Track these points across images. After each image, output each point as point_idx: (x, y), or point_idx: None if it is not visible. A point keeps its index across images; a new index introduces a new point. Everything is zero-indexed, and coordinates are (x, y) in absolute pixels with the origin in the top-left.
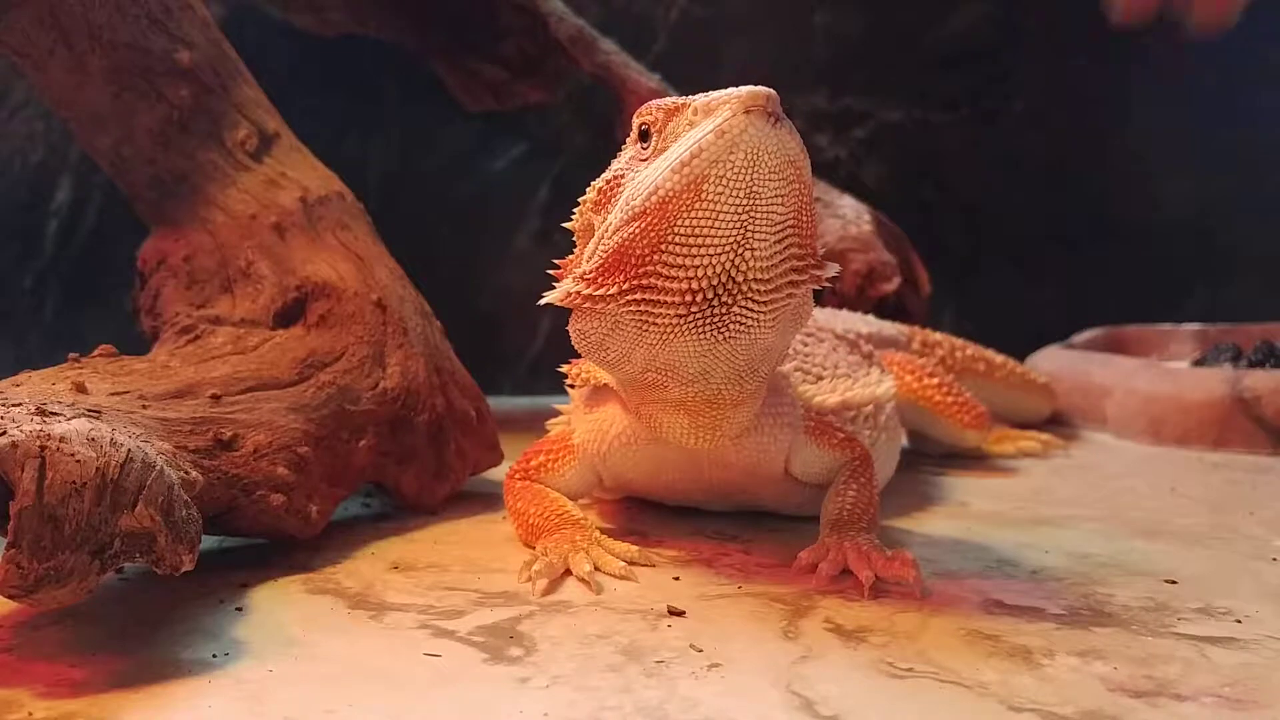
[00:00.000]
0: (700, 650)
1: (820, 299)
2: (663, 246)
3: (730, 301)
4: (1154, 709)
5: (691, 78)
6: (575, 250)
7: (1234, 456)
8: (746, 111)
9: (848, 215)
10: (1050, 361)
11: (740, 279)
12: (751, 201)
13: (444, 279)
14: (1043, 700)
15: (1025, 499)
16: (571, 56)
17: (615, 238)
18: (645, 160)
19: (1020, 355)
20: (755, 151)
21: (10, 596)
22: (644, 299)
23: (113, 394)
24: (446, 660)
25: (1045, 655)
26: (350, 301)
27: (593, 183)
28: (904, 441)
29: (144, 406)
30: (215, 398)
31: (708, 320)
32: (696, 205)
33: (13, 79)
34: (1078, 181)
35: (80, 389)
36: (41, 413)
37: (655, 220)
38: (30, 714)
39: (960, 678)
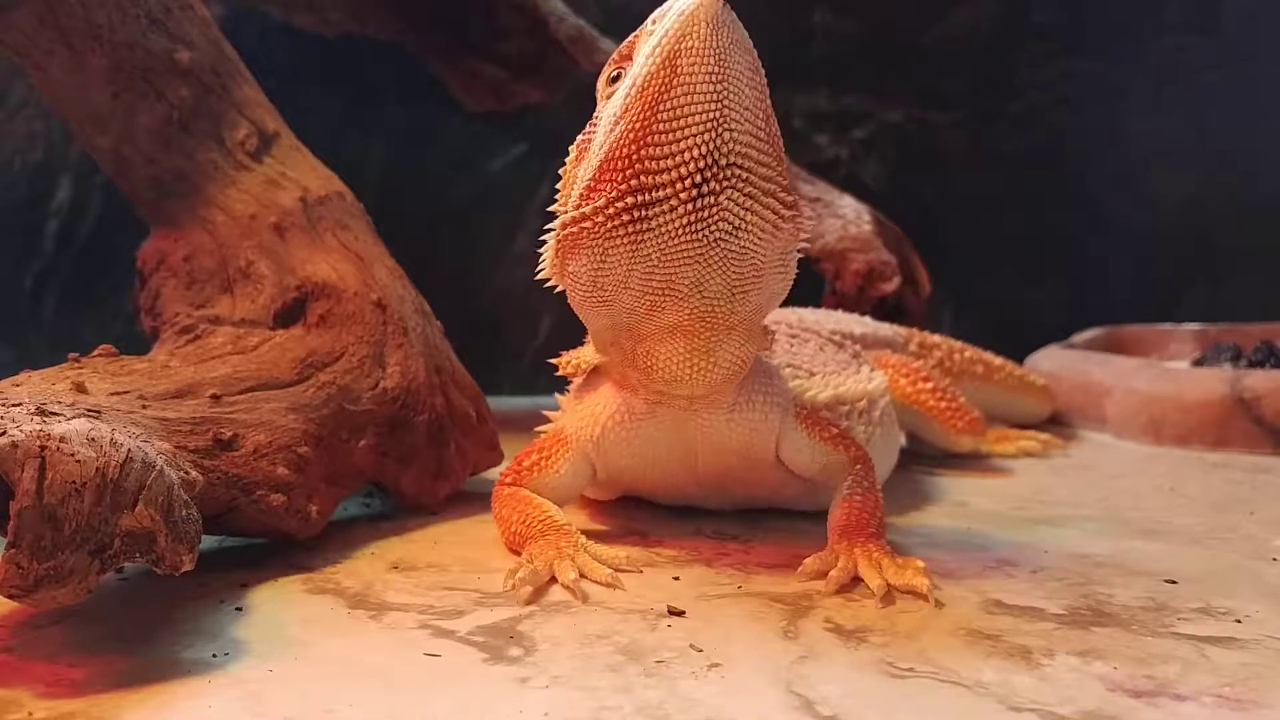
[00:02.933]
0: (700, 650)
1: (820, 299)
2: (647, 137)
3: (718, 188)
4: (1154, 709)
5: None
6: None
7: (1234, 456)
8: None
9: (848, 215)
10: (1050, 361)
11: (723, 160)
12: (723, 70)
13: (444, 279)
14: (1043, 700)
15: (1025, 499)
16: (571, 56)
17: (600, 153)
18: (611, 93)
19: (1020, 355)
20: (716, 20)
21: (10, 596)
22: (633, 203)
23: (113, 394)
24: (446, 660)
25: (1045, 655)
26: (350, 301)
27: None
28: (902, 441)
29: (144, 406)
30: (215, 398)
31: (698, 217)
32: (674, 82)
33: (13, 79)
34: (1078, 181)
35: (80, 389)
36: (41, 413)
37: (637, 111)
38: (30, 714)
39: (960, 678)
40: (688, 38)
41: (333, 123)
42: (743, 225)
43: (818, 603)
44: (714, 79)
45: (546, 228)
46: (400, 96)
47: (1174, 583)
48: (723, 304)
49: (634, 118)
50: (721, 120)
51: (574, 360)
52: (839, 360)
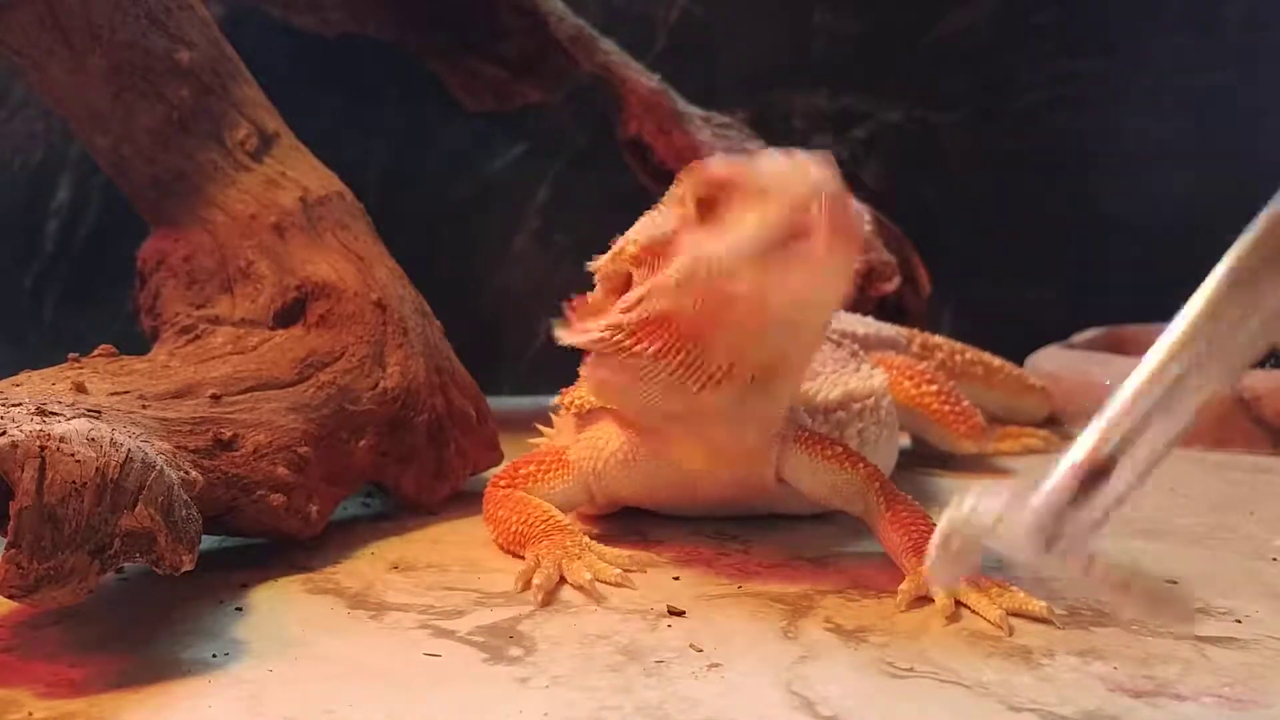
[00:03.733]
0: (700, 650)
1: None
2: (715, 328)
3: (769, 378)
4: (1154, 709)
5: (691, 78)
6: (595, 293)
7: (1234, 456)
8: (829, 234)
9: None
10: (1050, 361)
11: (781, 365)
12: (805, 314)
13: (444, 279)
14: (1043, 700)
15: None
16: (571, 56)
17: (664, 301)
18: (708, 231)
19: (1020, 356)
20: (825, 283)
21: (10, 596)
22: (683, 361)
23: (113, 394)
24: (446, 660)
25: (1045, 655)
26: (350, 301)
27: (633, 234)
28: (905, 441)
29: (144, 406)
30: (215, 398)
31: (736, 387)
32: (759, 311)
33: (13, 79)
34: (1078, 181)
35: (80, 389)
36: (41, 413)
37: (715, 305)
38: (30, 714)
39: (960, 678)
40: (795, 296)
41: (333, 123)
42: (789, 381)
43: (818, 603)
44: (795, 321)
45: (567, 299)
46: (400, 96)
47: (1174, 583)
48: (755, 424)
49: (710, 305)
50: (792, 338)
51: (577, 401)
52: (837, 358)
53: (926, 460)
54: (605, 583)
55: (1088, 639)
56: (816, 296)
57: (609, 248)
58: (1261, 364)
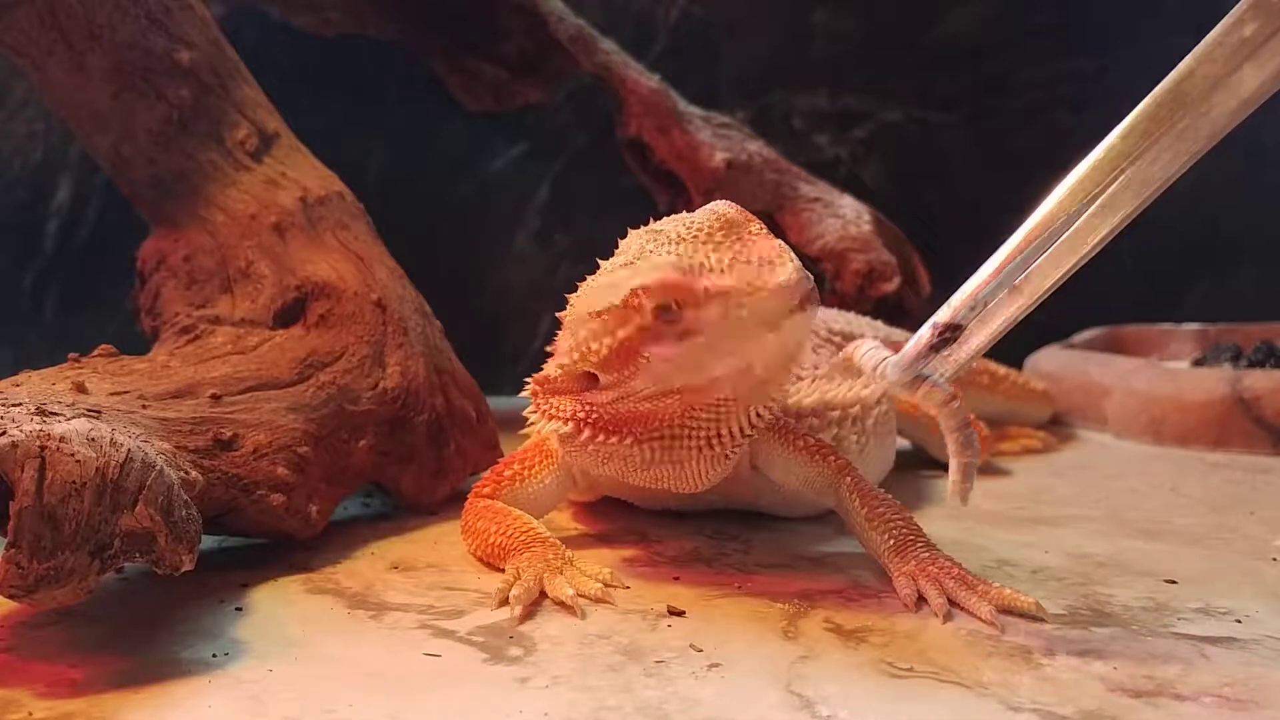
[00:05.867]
0: (700, 650)
1: (821, 299)
2: (700, 411)
3: (751, 433)
4: (1154, 709)
5: (691, 78)
6: (558, 375)
7: (1234, 456)
8: (792, 311)
9: (848, 215)
10: (1050, 361)
11: (761, 421)
12: (785, 373)
13: (444, 279)
14: (1043, 700)
15: (1025, 499)
16: (571, 56)
17: (644, 405)
18: (672, 338)
19: (1020, 355)
20: (797, 348)
21: (10, 596)
22: (661, 444)
23: (113, 394)
24: (446, 660)
25: (1045, 655)
26: (350, 301)
27: (588, 336)
28: (903, 442)
29: (144, 406)
30: (215, 398)
31: (725, 449)
32: (747, 380)
33: (13, 79)
34: None
35: (80, 389)
36: (41, 413)
37: (702, 395)
38: (30, 714)
39: (960, 678)
40: (771, 366)
41: (333, 123)
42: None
43: (818, 603)
44: (770, 381)
45: (528, 380)
46: (400, 96)
47: (1174, 583)
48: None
49: (689, 397)
50: (766, 393)
51: (541, 432)
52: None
53: (924, 460)
54: (585, 597)
55: (1088, 639)
56: (795, 358)
57: (574, 294)
58: (1261, 364)
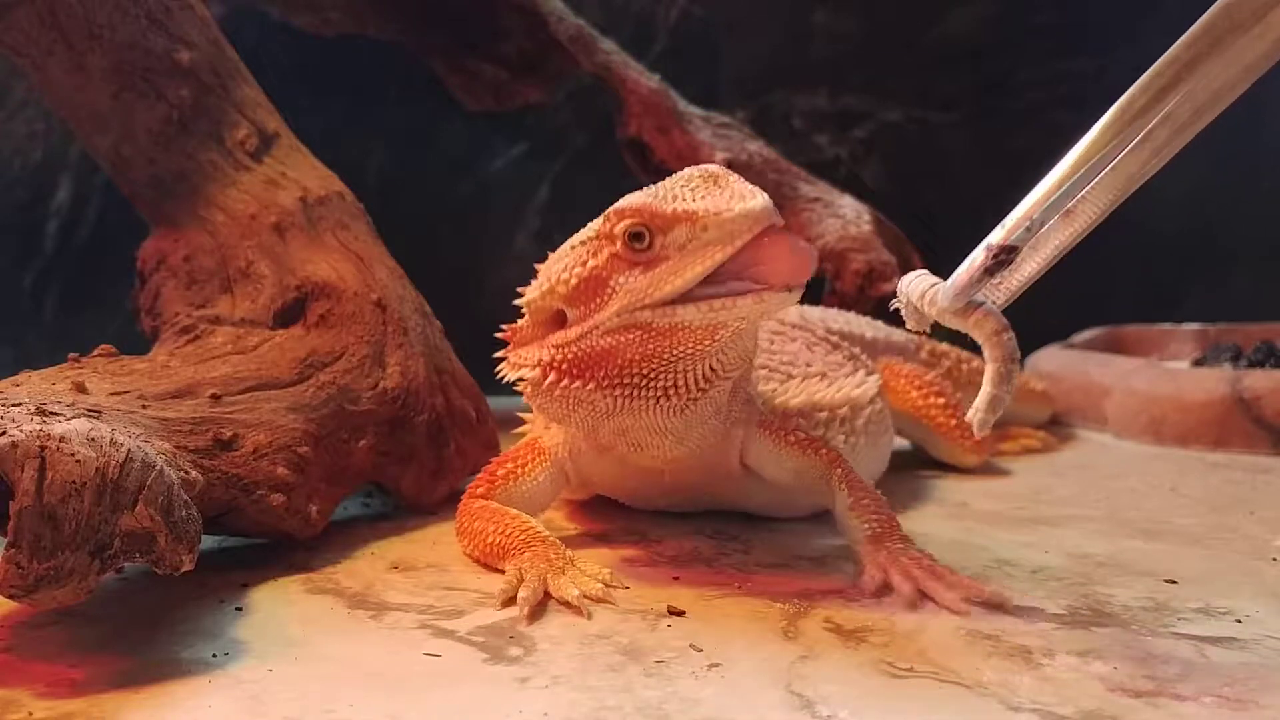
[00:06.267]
0: (700, 650)
1: (821, 299)
2: (656, 359)
3: (706, 388)
4: (1154, 709)
5: (691, 78)
6: (524, 323)
7: (1234, 456)
8: (777, 261)
9: (848, 215)
10: (1050, 361)
11: (716, 378)
12: (750, 334)
13: (444, 279)
14: (1043, 700)
15: (1025, 499)
16: (571, 56)
17: (606, 340)
18: (644, 266)
19: (1020, 355)
20: (773, 308)
21: (10, 596)
22: (621, 392)
23: (113, 394)
24: (446, 660)
25: (1045, 655)
26: (350, 301)
27: (560, 270)
28: (903, 442)
29: (144, 406)
30: (215, 398)
31: (681, 401)
32: (706, 342)
33: (13, 79)
34: None
35: (80, 389)
36: (41, 413)
37: (661, 340)
38: (30, 714)
39: (960, 678)
40: (743, 321)
41: (333, 123)
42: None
43: (818, 603)
44: (743, 347)
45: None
46: (400, 96)
47: (1174, 583)
48: (695, 431)
49: (654, 341)
50: (735, 361)
51: (507, 378)
52: (829, 361)
53: (924, 460)
54: (589, 598)
55: (1088, 639)
56: (764, 318)
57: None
58: (1261, 364)
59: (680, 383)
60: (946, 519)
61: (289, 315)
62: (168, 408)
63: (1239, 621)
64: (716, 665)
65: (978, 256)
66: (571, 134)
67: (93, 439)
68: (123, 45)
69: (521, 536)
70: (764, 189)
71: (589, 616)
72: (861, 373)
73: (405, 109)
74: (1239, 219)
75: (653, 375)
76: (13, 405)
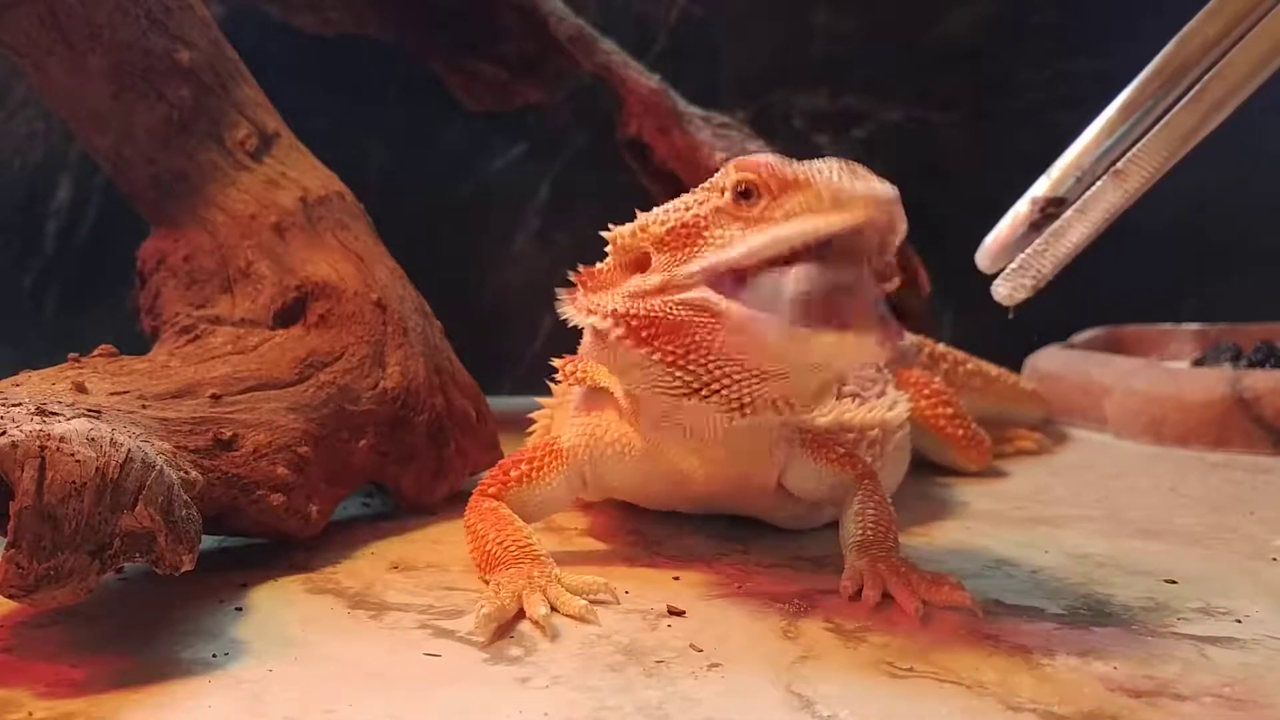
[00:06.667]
0: (700, 650)
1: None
2: (730, 360)
3: (765, 408)
4: (1154, 709)
5: (691, 78)
6: (607, 263)
7: (1234, 456)
8: (877, 331)
9: None
10: (1050, 361)
11: (785, 405)
12: (828, 371)
13: (444, 279)
14: (1042, 700)
15: (1025, 499)
16: (571, 56)
17: (681, 311)
18: (744, 224)
19: (1020, 355)
20: (856, 352)
21: (10, 596)
22: (684, 376)
23: (113, 394)
24: (446, 660)
25: (1045, 655)
26: (350, 301)
27: (661, 212)
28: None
29: (144, 406)
30: (215, 397)
31: (737, 409)
32: (784, 366)
33: (13, 79)
34: None
35: (80, 389)
36: (41, 413)
37: (735, 336)
38: (30, 714)
39: (960, 678)
40: (828, 353)
41: (333, 123)
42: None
43: (818, 603)
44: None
45: (576, 269)
46: (400, 96)
47: (1174, 583)
48: (749, 442)
49: (727, 336)
50: (823, 388)
51: (583, 373)
52: (862, 378)
53: (924, 460)
54: (568, 615)
55: (1088, 639)
56: (844, 361)
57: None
58: (1261, 364)
59: (751, 398)
60: (947, 519)
61: (289, 315)
62: (168, 408)
63: (1239, 621)
64: (716, 665)
65: (1021, 209)
66: (571, 134)
67: (93, 439)
68: (123, 45)
69: (515, 551)
70: None
71: (552, 637)
72: (893, 392)
73: (405, 109)
74: (1239, 219)
75: (724, 378)
76: (13, 405)
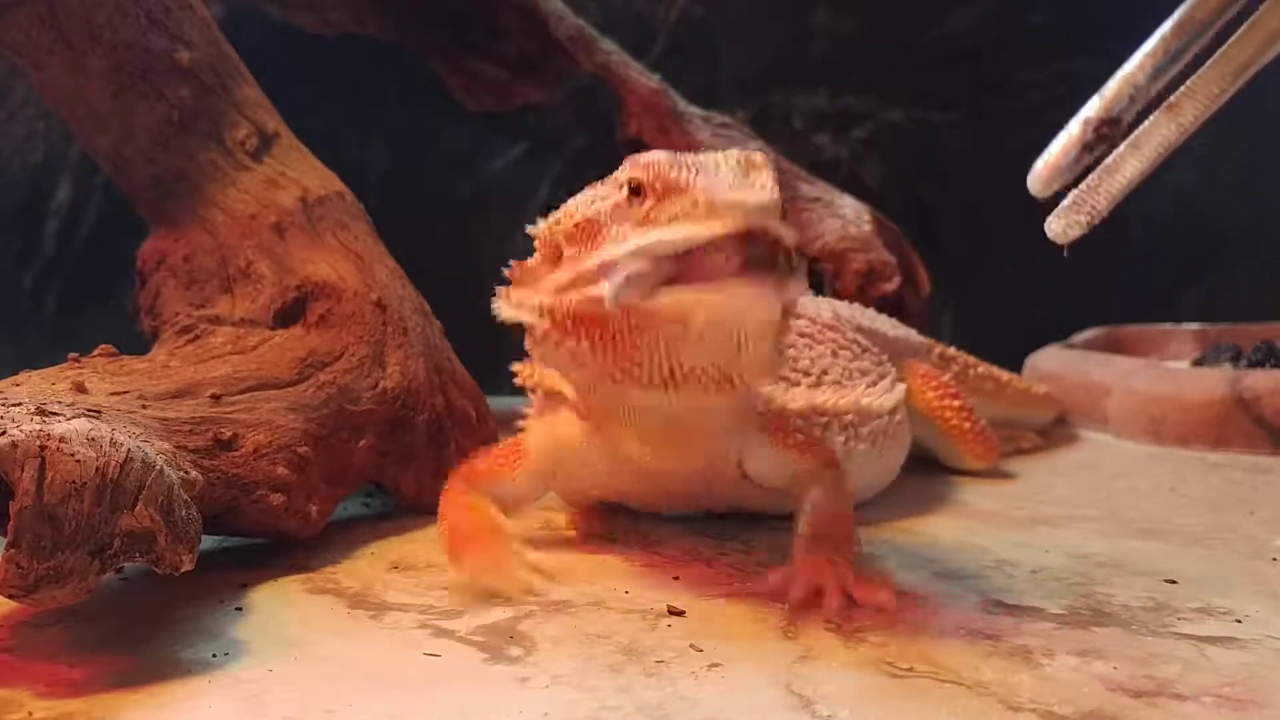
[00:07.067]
0: (700, 650)
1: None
2: (641, 336)
3: (702, 385)
4: (1154, 709)
5: (691, 78)
6: (533, 259)
7: (1234, 456)
8: (750, 279)
9: (848, 215)
10: (1050, 361)
11: (716, 373)
12: (735, 341)
13: (444, 279)
14: (1042, 700)
15: (1025, 499)
16: (571, 56)
17: (590, 306)
18: (633, 223)
19: (1020, 355)
20: (746, 312)
21: (10, 596)
22: (612, 359)
23: (113, 394)
24: (446, 660)
25: (1045, 655)
26: (350, 301)
27: (569, 206)
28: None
29: (144, 406)
30: (215, 397)
31: (675, 389)
32: (681, 332)
33: (13, 79)
34: (1077, 181)
35: (80, 389)
36: (41, 413)
37: (636, 317)
38: (30, 714)
39: (960, 677)
40: (713, 323)
41: (333, 123)
42: (720, 394)
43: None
44: (722, 344)
45: (509, 264)
46: (400, 96)
47: (1174, 583)
48: (691, 419)
49: (629, 318)
50: (719, 364)
51: (535, 379)
52: (853, 368)
53: (924, 460)
54: (516, 591)
55: (1088, 639)
56: (734, 319)
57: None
58: (1261, 364)
59: (672, 370)
60: (947, 518)
61: (289, 315)
62: (168, 408)
63: (1239, 621)
64: (716, 665)
65: (1073, 131)
66: (571, 134)
67: (93, 439)
68: (123, 45)
69: (479, 532)
70: None
71: (501, 604)
72: (886, 383)
73: (405, 109)
74: (1239, 219)
75: (637, 352)
76: (13, 405)
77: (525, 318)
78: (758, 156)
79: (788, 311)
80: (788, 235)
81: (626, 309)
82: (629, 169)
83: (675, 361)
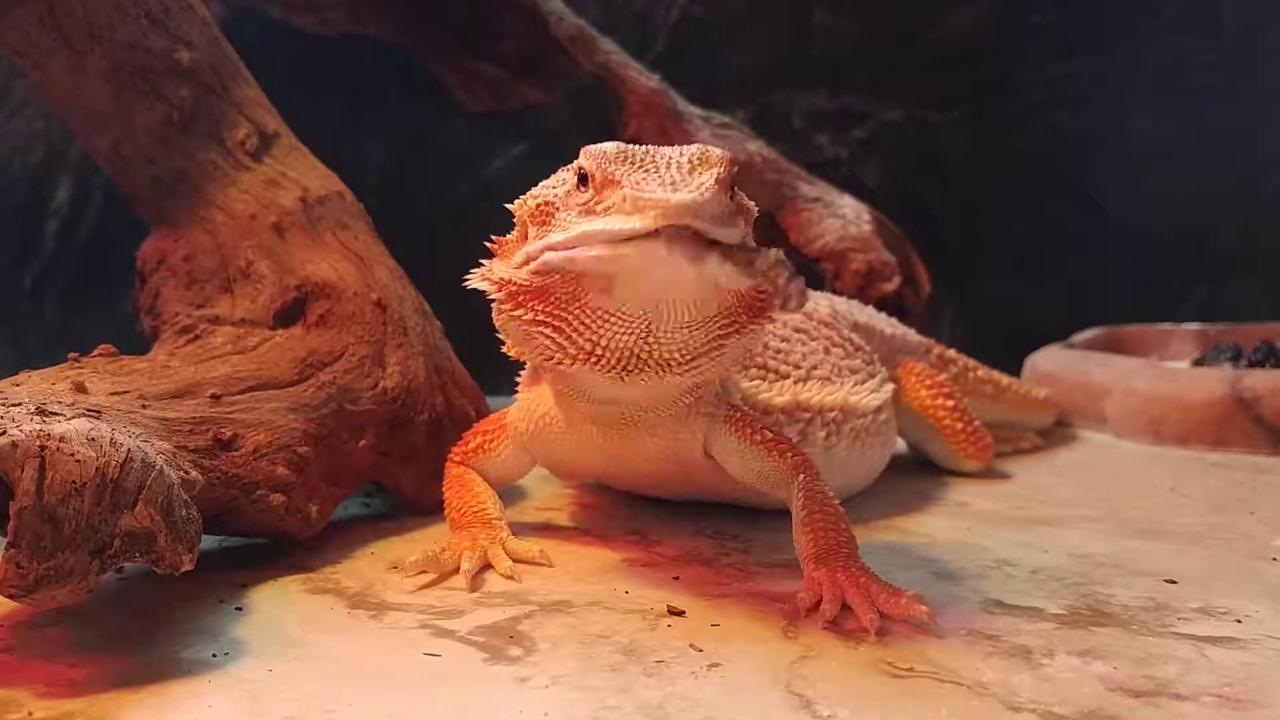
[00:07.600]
0: (700, 650)
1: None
2: (574, 308)
3: (638, 368)
4: (1154, 709)
5: (691, 78)
6: (512, 234)
7: (1234, 456)
8: (667, 241)
9: (848, 215)
10: (1050, 361)
11: (648, 356)
12: (658, 310)
13: (444, 279)
14: (1042, 700)
15: (1025, 499)
16: (571, 56)
17: (536, 277)
18: (577, 210)
19: (1020, 355)
20: (667, 282)
21: (10, 596)
22: (554, 336)
23: (113, 394)
24: (446, 660)
25: (1045, 655)
26: (350, 301)
27: (538, 187)
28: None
29: (144, 406)
30: (215, 397)
31: (615, 370)
32: (605, 296)
33: (13, 79)
34: (1078, 181)
35: (80, 389)
36: (41, 412)
37: (570, 285)
38: (30, 714)
39: (960, 677)
40: (630, 282)
41: (333, 123)
42: (671, 376)
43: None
44: (646, 313)
45: (491, 238)
46: (400, 96)
47: (1174, 583)
48: (642, 413)
49: (564, 287)
50: (650, 332)
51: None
52: (844, 366)
53: (924, 462)
54: (498, 572)
55: (1088, 639)
56: (658, 287)
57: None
58: (1261, 364)
59: (604, 355)
60: (946, 519)
61: (289, 315)
62: (168, 408)
63: (1239, 621)
64: (716, 665)
65: None
66: (571, 134)
67: (93, 439)
68: (123, 45)
69: (469, 516)
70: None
71: (475, 589)
72: (874, 382)
73: (405, 109)
74: (1239, 219)
75: (577, 330)
76: (13, 405)
77: (487, 288)
78: (713, 154)
79: (762, 309)
80: (724, 234)
81: (560, 275)
82: (581, 158)
83: (608, 335)
